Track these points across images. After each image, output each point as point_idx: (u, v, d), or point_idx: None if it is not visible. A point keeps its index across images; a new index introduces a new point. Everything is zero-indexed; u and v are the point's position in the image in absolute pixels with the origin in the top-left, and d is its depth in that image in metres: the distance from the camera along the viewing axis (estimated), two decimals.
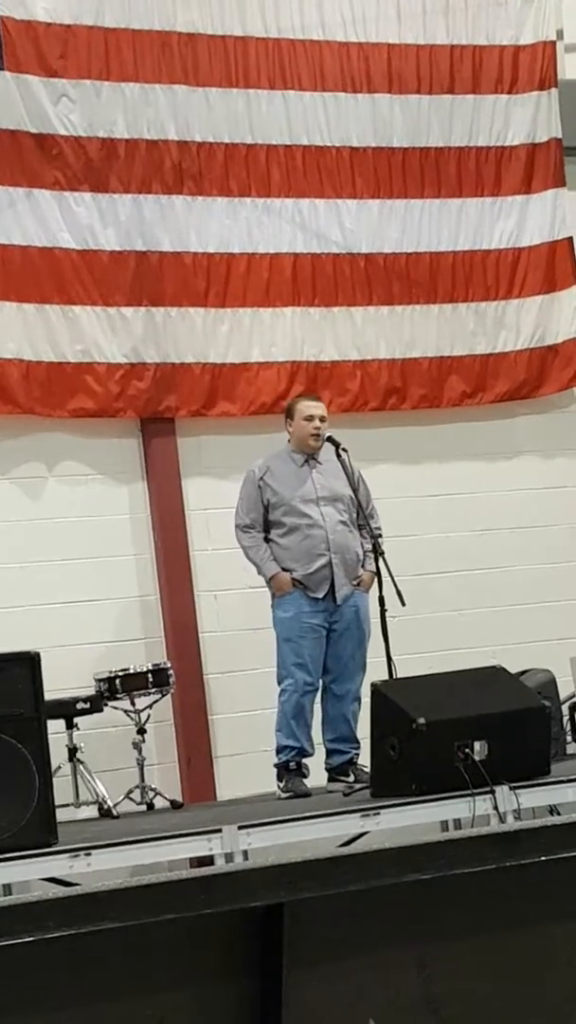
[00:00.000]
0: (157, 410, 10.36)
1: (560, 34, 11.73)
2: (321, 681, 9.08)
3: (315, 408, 9.27)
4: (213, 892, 5.12)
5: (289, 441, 9.28)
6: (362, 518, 9.17)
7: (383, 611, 8.88)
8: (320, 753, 9.15)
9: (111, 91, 10.28)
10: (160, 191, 10.40)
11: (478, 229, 11.31)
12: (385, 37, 11.10)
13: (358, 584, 9.09)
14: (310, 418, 9.22)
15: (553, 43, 11.62)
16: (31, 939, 5.02)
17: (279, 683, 9.07)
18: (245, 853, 7.36)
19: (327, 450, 9.21)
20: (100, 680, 9.33)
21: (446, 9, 11.28)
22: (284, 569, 9.01)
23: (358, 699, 9.07)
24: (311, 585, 9.02)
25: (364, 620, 9.11)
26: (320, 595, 9.03)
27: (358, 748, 9.07)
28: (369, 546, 9.10)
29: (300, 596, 9.00)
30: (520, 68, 11.46)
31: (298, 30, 10.84)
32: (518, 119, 11.43)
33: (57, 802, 7.50)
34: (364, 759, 8.77)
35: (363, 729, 8.82)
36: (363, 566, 9.12)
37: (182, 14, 10.53)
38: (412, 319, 11.12)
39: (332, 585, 9.04)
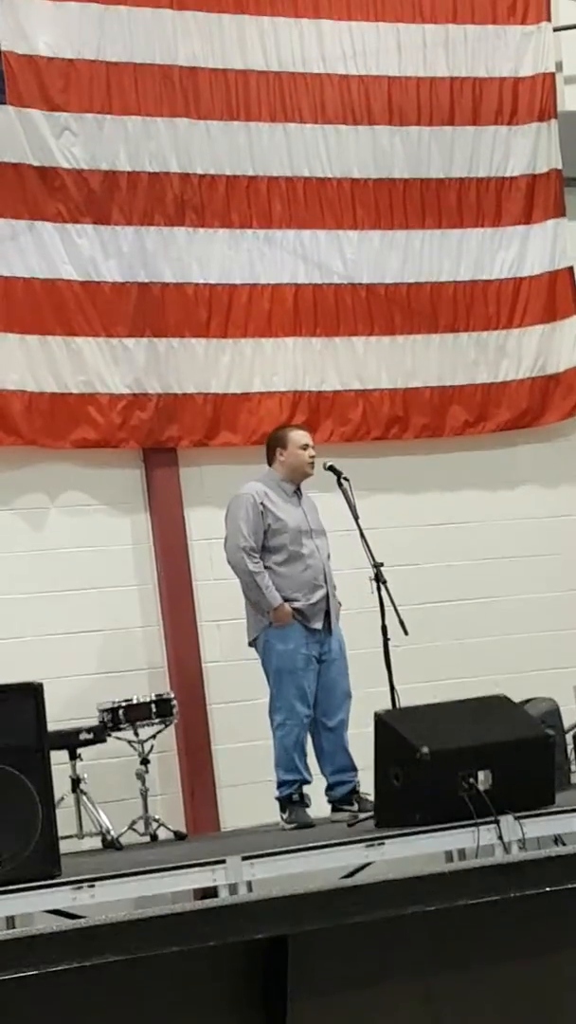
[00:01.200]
0: (159, 440, 10.38)
1: (559, 66, 11.80)
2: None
3: (308, 437, 9.35)
4: (217, 924, 5.11)
5: (274, 469, 9.27)
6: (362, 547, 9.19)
7: (386, 640, 8.91)
8: (320, 782, 9.14)
9: (113, 124, 10.33)
10: (162, 223, 10.45)
11: (479, 259, 11.34)
12: (385, 70, 11.15)
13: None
14: (306, 447, 9.26)
15: (552, 75, 11.67)
16: (34, 972, 5.00)
17: (272, 715, 9.05)
18: (249, 884, 7.36)
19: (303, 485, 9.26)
20: (103, 710, 9.33)
21: (446, 42, 11.34)
22: (284, 599, 9.00)
23: (347, 726, 9.07)
24: (311, 616, 9.03)
25: (345, 650, 9.17)
26: (318, 626, 9.04)
27: (358, 775, 9.06)
28: (371, 574, 9.11)
29: (299, 627, 9.00)
30: (520, 99, 11.51)
31: (299, 63, 10.89)
32: (518, 150, 11.48)
33: (60, 833, 7.51)
34: (366, 787, 8.76)
35: (361, 756, 8.83)
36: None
37: (183, 48, 10.58)
38: (414, 349, 11.15)
39: (327, 616, 9.06)
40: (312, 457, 9.24)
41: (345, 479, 9.24)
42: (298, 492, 9.27)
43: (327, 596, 9.07)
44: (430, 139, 11.25)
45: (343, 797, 9.08)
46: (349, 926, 5.34)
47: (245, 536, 9.06)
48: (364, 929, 5.36)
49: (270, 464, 9.34)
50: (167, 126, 10.50)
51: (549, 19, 11.70)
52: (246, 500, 9.12)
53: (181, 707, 9.64)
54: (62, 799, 8.65)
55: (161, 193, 10.46)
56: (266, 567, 9.06)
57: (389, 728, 8.08)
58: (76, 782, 9.16)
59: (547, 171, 11.58)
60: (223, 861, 7.38)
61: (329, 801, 9.15)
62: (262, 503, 9.10)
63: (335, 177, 10.98)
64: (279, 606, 8.97)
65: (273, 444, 9.34)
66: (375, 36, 11.14)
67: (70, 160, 10.20)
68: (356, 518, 9.17)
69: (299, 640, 8.99)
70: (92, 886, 7.15)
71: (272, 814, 9.17)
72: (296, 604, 9.01)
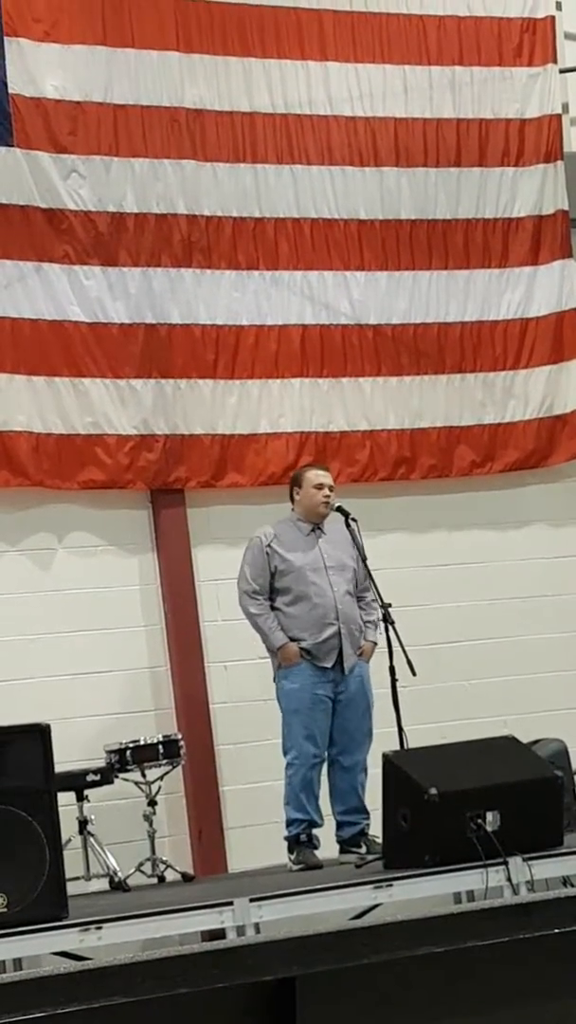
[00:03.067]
0: (167, 481, 10.39)
1: (565, 107, 11.85)
2: (327, 753, 9.05)
3: (324, 477, 9.33)
4: (225, 966, 5.10)
5: (294, 509, 9.30)
6: (368, 589, 9.17)
7: (394, 681, 8.88)
8: (330, 824, 9.12)
9: (120, 166, 10.37)
10: (169, 264, 10.48)
11: (486, 300, 11.37)
12: (392, 111, 11.20)
13: (360, 654, 9.10)
14: (320, 486, 9.26)
15: (559, 116, 11.72)
16: (42, 1015, 4.99)
17: (284, 755, 9.04)
18: (257, 926, 7.32)
19: (332, 520, 9.25)
20: (110, 752, 9.31)
21: (452, 83, 11.40)
22: (291, 639, 9.00)
23: (365, 769, 9.05)
24: (320, 655, 9.01)
25: (368, 690, 9.10)
26: (328, 665, 9.02)
27: (368, 818, 9.04)
28: (375, 616, 9.10)
29: (308, 666, 8.98)
30: (526, 141, 11.55)
31: (305, 105, 10.95)
32: (525, 191, 11.51)
33: (68, 875, 7.48)
34: (375, 829, 8.74)
35: (372, 799, 8.81)
36: (364, 636, 9.12)
37: (190, 90, 10.63)
38: (421, 389, 11.16)
39: (340, 655, 9.04)
40: (327, 496, 9.23)
41: (353, 520, 9.24)
42: (316, 530, 9.25)
43: (339, 634, 9.04)
44: (437, 180, 11.29)
45: (351, 838, 9.05)
46: (357, 968, 5.33)
47: (248, 580, 9.11)
48: (373, 971, 5.34)
49: (292, 502, 9.35)
50: (174, 168, 10.54)
51: (555, 61, 11.75)
52: (253, 544, 9.18)
53: (189, 748, 9.62)
54: (69, 841, 8.63)
55: (168, 235, 10.49)
56: (275, 607, 9.06)
57: (397, 769, 8.06)
58: (83, 823, 9.14)
59: (553, 212, 11.61)
60: (231, 903, 7.34)
61: (338, 842, 9.11)
62: (269, 545, 9.12)
63: (342, 218, 11.01)
64: (283, 646, 8.97)
65: (292, 484, 9.38)
66: (381, 78, 11.20)
67: (77, 202, 10.23)
68: (364, 559, 9.16)
69: (307, 679, 8.97)
70: (99, 928, 7.11)
71: (280, 855, 9.14)
72: (304, 643, 9.00)
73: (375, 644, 9.10)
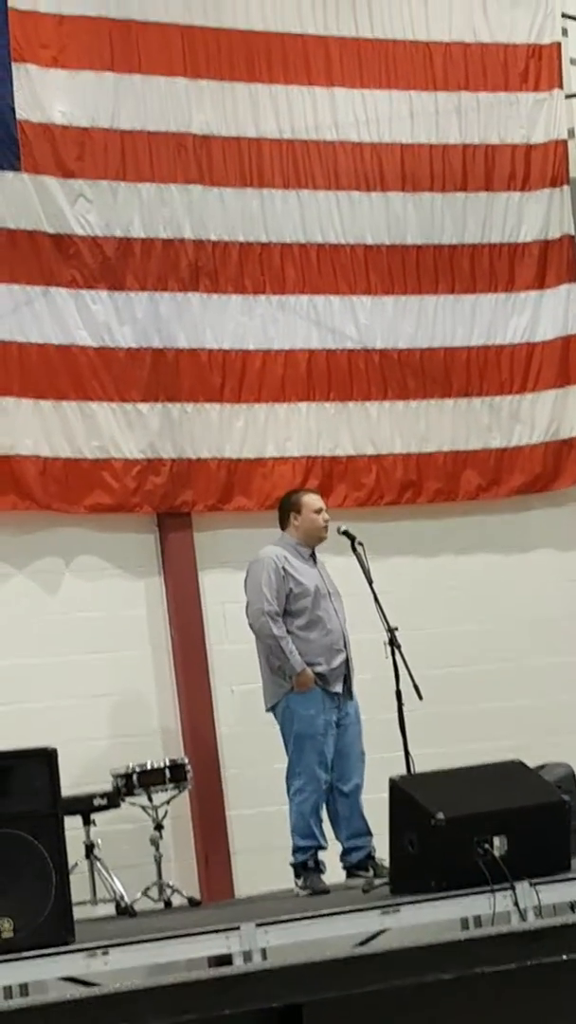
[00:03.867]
0: (173, 505, 10.40)
1: (571, 132, 11.89)
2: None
3: (321, 501, 9.40)
4: (232, 993, 5.08)
5: (288, 533, 9.29)
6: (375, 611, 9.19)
7: (400, 705, 8.89)
8: (334, 847, 9.10)
9: (127, 191, 10.40)
10: (176, 289, 10.50)
11: (492, 324, 11.39)
12: (398, 137, 11.24)
13: None
14: (319, 511, 9.29)
15: (564, 142, 11.75)
16: None
17: (291, 780, 9.02)
18: (264, 951, 7.32)
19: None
20: (117, 776, 9.31)
21: (459, 109, 11.43)
22: (307, 664, 8.99)
23: (362, 790, 9.04)
24: (331, 680, 9.03)
25: (360, 714, 9.16)
26: (338, 690, 9.03)
27: (373, 840, 9.03)
28: (386, 639, 9.11)
29: (320, 692, 8.99)
30: (532, 166, 11.59)
31: (312, 131, 10.98)
32: (531, 216, 11.54)
33: (74, 899, 7.48)
34: (381, 852, 8.73)
35: (376, 821, 8.80)
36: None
37: (197, 116, 10.67)
38: (427, 413, 11.17)
39: (347, 681, 9.05)
40: (326, 521, 9.27)
41: (359, 543, 9.24)
42: (313, 555, 9.28)
43: (347, 660, 9.06)
44: (443, 205, 11.32)
45: (358, 863, 9.04)
46: (364, 994, 5.31)
47: (269, 600, 9.04)
48: (380, 998, 5.32)
49: (283, 528, 9.35)
50: (181, 193, 10.57)
51: (561, 86, 11.79)
52: (268, 564, 9.12)
53: (195, 772, 9.62)
54: (76, 865, 8.61)
55: (175, 259, 10.52)
56: (288, 631, 9.05)
57: (404, 794, 8.06)
58: (90, 848, 9.13)
59: (560, 237, 11.64)
60: (237, 928, 7.35)
61: (344, 867, 9.11)
62: (283, 567, 9.11)
63: (348, 243, 11.04)
64: (302, 671, 8.95)
65: (287, 508, 9.36)
66: (388, 103, 11.23)
67: (85, 227, 10.26)
68: (370, 582, 9.16)
69: (320, 705, 8.98)
70: (106, 953, 7.12)
71: (286, 880, 9.13)
72: (318, 669, 9.00)
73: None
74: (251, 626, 9.14)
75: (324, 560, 9.41)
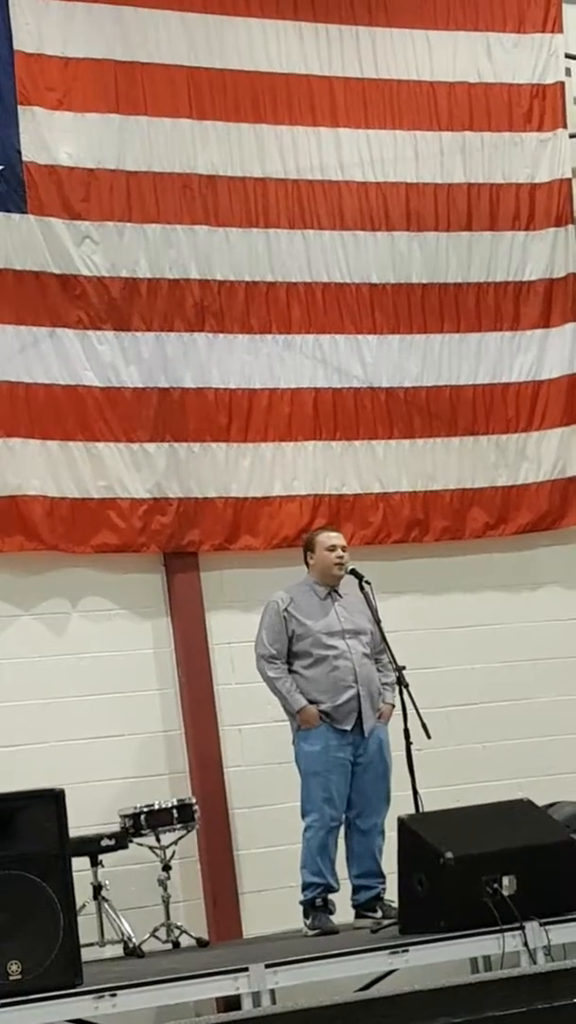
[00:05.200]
0: (180, 545, 10.40)
1: (575, 172, 11.91)
2: (344, 816, 9.03)
3: (337, 539, 9.36)
4: None
5: (309, 573, 9.32)
6: (383, 651, 9.17)
7: (408, 744, 8.87)
8: (345, 888, 9.08)
9: (133, 232, 10.43)
10: (182, 329, 10.52)
11: (498, 363, 11.41)
12: (403, 177, 11.27)
13: (379, 716, 9.09)
14: (332, 548, 9.29)
15: (568, 180, 11.78)
16: None
17: (303, 818, 9.02)
18: (273, 992, 7.28)
19: (347, 583, 9.27)
20: (125, 816, 9.29)
21: (463, 148, 11.47)
22: (310, 701, 8.99)
23: (383, 833, 9.02)
24: (339, 717, 9.01)
25: (387, 752, 9.10)
26: (347, 727, 9.01)
27: (385, 883, 9.01)
28: (392, 678, 9.09)
29: (327, 729, 8.98)
30: (537, 205, 11.61)
31: (317, 171, 11.02)
32: (536, 255, 11.56)
33: (82, 941, 7.45)
34: (391, 893, 8.70)
35: (389, 863, 8.78)
36: (383, 699, 9.12)
37: (202, 156, 10.71)
38: (433, 452, 11.18)
39: (359, 717, 9.03)
40: (340, 558, 9.26)
41: (367, 582, 9.25)
42: (333, 593, 9.27)
43: (358, 696, 9.05)
44: (448, 244, 11.35)
45: (367, 903, 9.02)
46: None
47: (265, 644, 9.13)
48: None
49: (307, 567, 9.36)
50: (187, 233, 10.60)
51: (565, 126, 11.82)
52: (270, 608, 9.22)
53: (203, 812, 9.60)
54: (83, 906, 8.60)
55: (181, 299, 10.54)
56: (293, 671, 9.08)
57: (412, 833, 8.03)
58: (97, 889, 9.11)
59: (565, 276, 11.65)
60: (246, 969, 7.31)
61: (353, 906, 9.08)
62: (286, 610, 9.15)
63: (354, 282, 11.06)
64: (302, 709, 8.97)
65: (305, 548, 9.42)
66: (392, 143, 11.27)
67: (91, 268, 10.29)
68: (378, 621, 9.17)
69: (326, 742, 8.96)
70: (114, 995, 7.08)
71: (295, 920, 9.10)
72: (322, 706, 8.99)
73: (393, 706, 9.12)
74: (256, 668, 9.20)
75: (359, 596, 9.32)
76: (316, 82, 11.10)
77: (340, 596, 9.28)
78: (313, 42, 11.13)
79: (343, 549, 9.32)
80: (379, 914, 8.87)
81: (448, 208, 11.37)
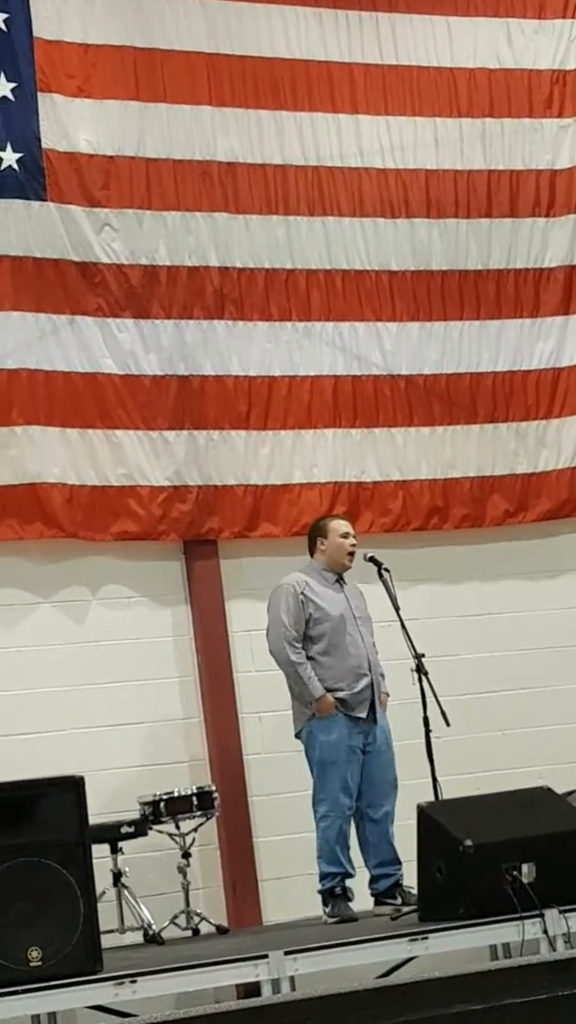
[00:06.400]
0: (200, 532, 10.41)
1: None
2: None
3: (348, 526, 9.37)
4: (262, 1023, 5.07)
5: (316, 559, 9.30)
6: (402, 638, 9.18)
7: (427, 732, 8.88)
8: (363, 876, 9.08)
9: (153, 219, 10.43)
10: (201, 316, 10.52)
11: (518, 350, 11.38)
12: (423, 163, 11.25)
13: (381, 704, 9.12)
14: (345, 535, 9.29)
15: None
16: None
17: (316, 807, 9.00)
18: (292, 979, 7.28)
19: (347, 573, 9.25)
20: (144, 804, 9.30)
21: (483, 135, 11.44)
22: (327, 689, 8.98)
23: (393, 819, 9.02)
24: (354, 705, 9.00)
25: (391, 740, 9.11)
26: (362, 715, 9.00)
27: (402, 868, 9.00)
28: (413, 665, 9.09)
29: (342, 718, 8.97)
30: (557, 191, 11.57)
31: (336, 158, 11.00)
32: (556, 241, 11.53)
33: (102, 928, 7.45)
34: (409, 880, 8.70)
35: (404, 848, 8.78)
36: (382, 687, 9.15)
37: (222, 143, 10.70)
38: (453, 439, 11.16)
39: (372, 705, 9.03)
40: (353, 546, 9.27)
41: (386, 570, 9.24)
42: (341, 580, 9.28)
43: (372, 684, 9.05)
44: (468, 231, 11.32)
45: (386, 890, 9.01)
46: None
47: (287, 626, 9.05)
48: None
49: (311, 554, 9.35)
50: (206, 221, 10.60)
51: None
52: (287, 591, 9.14)
53: (223, 800, 9.61)
54: (103, 893, 8.61)
55: (200, 287, 10.54)
56: (308, 657, 9.04)
57: (432, 821, 8.04)
58: (117, 876, 9.13)
59: None
60: (266, 956, 7.31)
61: (372, 894, 9.08)
62: (303, 593, 9.11)
63: (373, 269, 11.05)
64: (321, 697, 8.95)
65: (314, 534, 9.38)
66: (412, 130, 11.25)
67: (110, 255, 10.29)
68: (397, 609, 9.16)
69: (342, 731, 8.95)
70: (134, 981, 7.08)
71: (314, 908, 9.10)
72: (339, 694, 8.98)
73: (388, 695, 9.16)
74: (271, 652, 9.16)
75: (358, 586, 9.38)
76: (336, 68, 11.08)
77: (345, 583, 9.28)
78: (333, 28, 11.11)
79: (354, 537, 9.32)
80: (399, 901, 8.87)
81: (468, 195, 11.35)
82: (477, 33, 11.56)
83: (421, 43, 11.37)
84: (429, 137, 11.29)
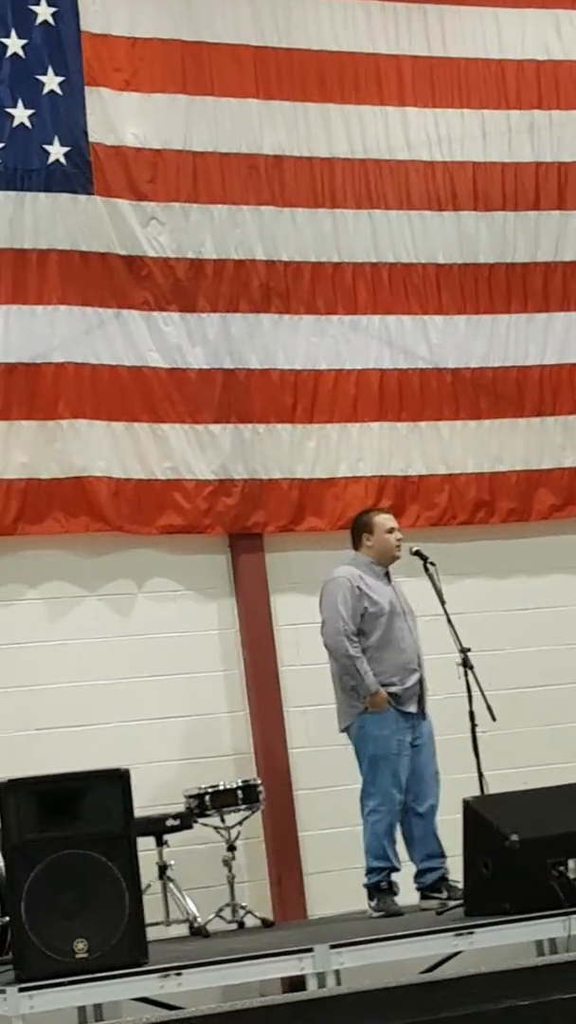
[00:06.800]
0: (245, 526, 10.41)
1: None
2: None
3: (393, 520, 9.35)
4: (307, 1018, 5.06)
5: (362, 553, 9.25)
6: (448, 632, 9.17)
7: (473, 726, 8.87)
8: (408, 870, 9.06)
9: (199, 213, 10.44)
10: (247, 310, 10.52)
11: (565, 342, 11.32)
12: (470, 155, 11.22)
13: None
14: (392, 530, 9.26)
15: None
16: None
17: (366, 801, 8.98)
18: (337, 973, 7.27)
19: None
20: (190, 797, 9.31)
21: (531, 127, 11.39)
22: (381, 684, 8.96)
23: (437, 811, 9.00)
24: (405, 700, 8.99)
25: (433, 734, 9.10)
26: (412, 710, 8.99)
27: (447, 862, 8.98)
28: (459, 660, 9.08)
29: (394, 712, 8.96)
30: None
31: (384, 150, 10.98)
32: None
33: (147, 920, 7.47)
34: (455, 874, 8.68)
35: (450, 843, 8.76)
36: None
37: (269, 136, 10.70)
38: (500, 433, 11.13)
39: (421, 700, 9.02)
40: (399, 540, 9.25)
41: (431, 564, 9.22)
42: (387, 574, 9.26)
43: (421, 680, 9.03)
44: (515, 224, 11.28)
45: (432, 884, 9.00)
46: (439, 1020, 5.28)
47: (345, 619, 9.00)
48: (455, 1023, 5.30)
49: (356, 548, 9.32)
50: (253, 214, 10.60)
51: None
52: (343, 584, 9.08)
53: (268, 793, 9.61)
54: (149, 886, 8.63)
55: (247, 280, 10.54)
56: (362, 651, 9.02)
57: (478, 815, 8.01)
58: (163, 869, 9.15)
59: None
60: (311, 949, 7.31)
61: (418, 888, 9.07)
62: (358, 586, 9.07)
63: (420, 262, 11.02)
64: (377, 691, 8.91)
65: (359, 529, 9.33)
66: (460, 122, 11.22)
67: (156, 249, 10.30)
68: (443, 603, 9.13)
69: (394, 726, 8.94)
70: (179, 974, 7.09)
71: (359, 901, 9.09)
72: (392, 689, 8.96)
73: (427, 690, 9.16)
74: (326, 645, 9.11)
75: (397, 581, 9.38)
76: (383, 61, 11.06)
77: (391, 578, 9.26)
78: (380, 20, 11.09)
79: (399, 531, 9.30)
80: (444, 894, 8.85)
81: (516, 187, 11.30)
82: (526, 24, 11.51)
83: (469, 35, 11.34)
84: (477, 129, 11.25)
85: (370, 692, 8.91)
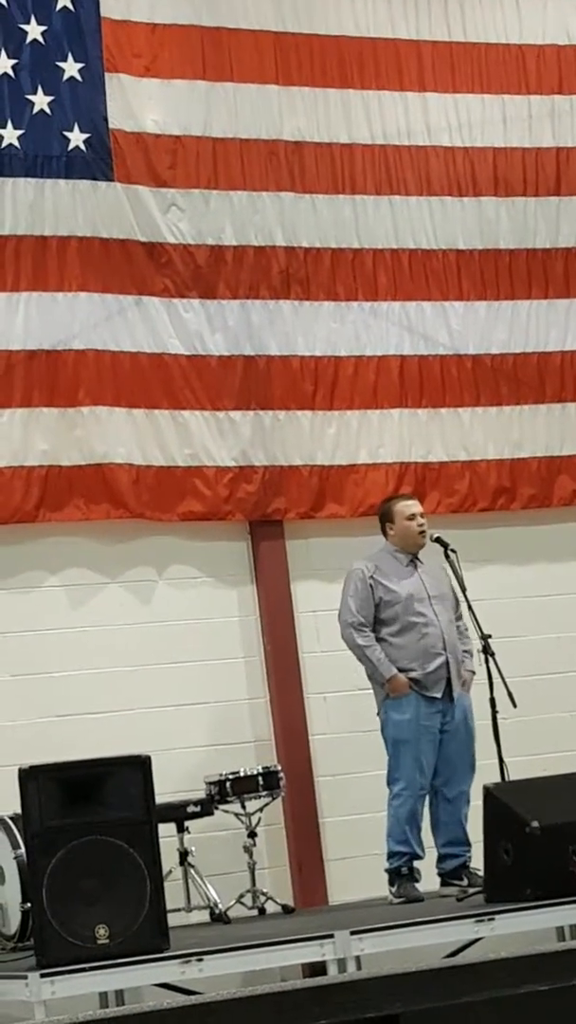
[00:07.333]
0: (266, 513, 10.41)
1: None
2: (431, 785, 9.02)
3: (415, 506, 9.34)
4: (328, 1003, 5.07)
5: (388, 541, 9.26)
6: (460, 617, 9.15)
7: (494, 713, 8.85)
8: (430, 856, 9.07)
9: (219, 199, 10.42)
10: (267, 296, 10.51)
11: None
12: (491, 141, 11.19)
13: (463, 684, 9.06)
14: (412, 517, 9.25)
15: None
16: None
17: (390, 786, 9.00)
18: (358, 959, 7.28)
19: (426, 549, 9.22)
20: (211, 783, 9.32)
21: (552, 112, 11.36)
22: (400, 669, 8.96)
23: (468, 801, 9.00)
24: (428, 684, 8.98)
25: (471, 720, 9.07)
26: (437, 695, 8.98)
27: (470, 851, 8.98)
28: (471, 645, 9.06)
29: (417, 697, 8.95)
30: None
31: (404, 136, 10.96)
32: None
33: (168, 906, 7.48)
34: (476, 861, 8.68)
35: (470, 829, 8.77)
36: (464, 666, 9.09)
37: (289, 122, 10.68)
38: (520, 419, 11.11)
39: (448, 684, 9.01)
40: (421, 526, 9.23)
41: (452, 551, 9.21)
42: (415, 561, 9.24)
43: (447, 663, 9.02)
44: (536, 209, 11.25)
45: (453, 871, 9.00)
46: (461, 1005, 5.29)
47: (352, 611, 9.07)
48: (476, 1008, 5.30)
49: (386, 537, 9.32)
50: (273, 200, 10.58)
51: None
52: (355, 576, 9.15)
53: (288, 780, 9.61)
54: (170, 872, 8.64)
55: (267, 267, 10.53)
56: (380, 639, 9.03)
57: (498, 802, 8.02)
58: (184, 855, 9.15)
59: None
60: (332, 935, 7.32)
61: (439, 874, 9.07)
62: (371, 577, 9.10)
63: (440, 249, 11.00)
64: (392, 677, 8.93)
65: (382, 518, 9.36)
66: (480, 108, 11.19)
67: (177, 235, 10.30)
68: (463, 590, 9.13)
69: (416, 710, 8.93)
70: (200, 960, 7.11)
71: (380, 888, 9.10)
72: (412, 674, 8.96)
73: (473, 673, 9.10)
74: (342, 636, 9.16)
75: (434, 565, 9.30)
76: (403, 46, 11.03)
77: (422, 562, 9.25)
78: (400, 6, 11.06)
79: (422, 516, 9.28)
80: (465, 882, 8.86)
81: (536, 173, 11.27)
82: (546, 9, 11.47)
83: (490, 20, 11.30)
84: (497, 115, 11.22)
85: (385, 679, 8.92)
